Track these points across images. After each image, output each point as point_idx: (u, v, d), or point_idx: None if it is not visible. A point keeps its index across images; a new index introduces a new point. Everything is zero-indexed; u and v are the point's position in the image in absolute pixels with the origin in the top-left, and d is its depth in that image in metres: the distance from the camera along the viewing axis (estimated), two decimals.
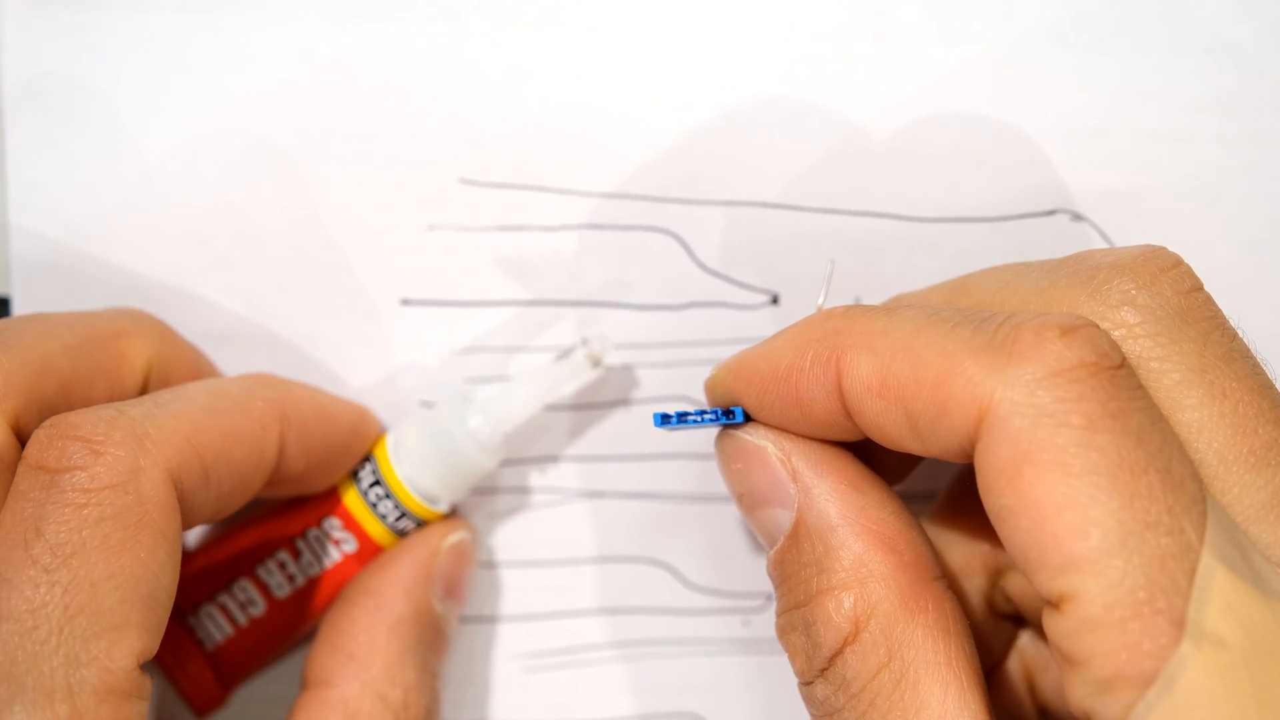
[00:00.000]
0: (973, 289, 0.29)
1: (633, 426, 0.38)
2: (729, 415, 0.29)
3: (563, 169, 0.37)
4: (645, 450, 0.38)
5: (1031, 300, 0.27)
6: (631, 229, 0.37)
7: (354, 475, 0.35)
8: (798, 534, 0.27)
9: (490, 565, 0.38)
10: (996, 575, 0.32)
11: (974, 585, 0.32)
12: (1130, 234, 0.37)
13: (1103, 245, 0.37)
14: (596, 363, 0.35)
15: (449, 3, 0.36)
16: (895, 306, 0.26)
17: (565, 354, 0.35)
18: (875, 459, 0.30)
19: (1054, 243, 0.37)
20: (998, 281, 0.28)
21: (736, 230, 0.37)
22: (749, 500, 0.29)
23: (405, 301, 0.37)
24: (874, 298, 0.37)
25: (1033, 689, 0.33)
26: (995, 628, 0.32)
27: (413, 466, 0.34)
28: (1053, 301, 0.27)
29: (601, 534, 0.38)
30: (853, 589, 0.26)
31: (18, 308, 0.37)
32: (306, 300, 0.37)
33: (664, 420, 0.29)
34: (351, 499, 0.34)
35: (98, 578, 0.25)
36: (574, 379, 0.35)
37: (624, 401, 0.38)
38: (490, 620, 0.39)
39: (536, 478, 0.38)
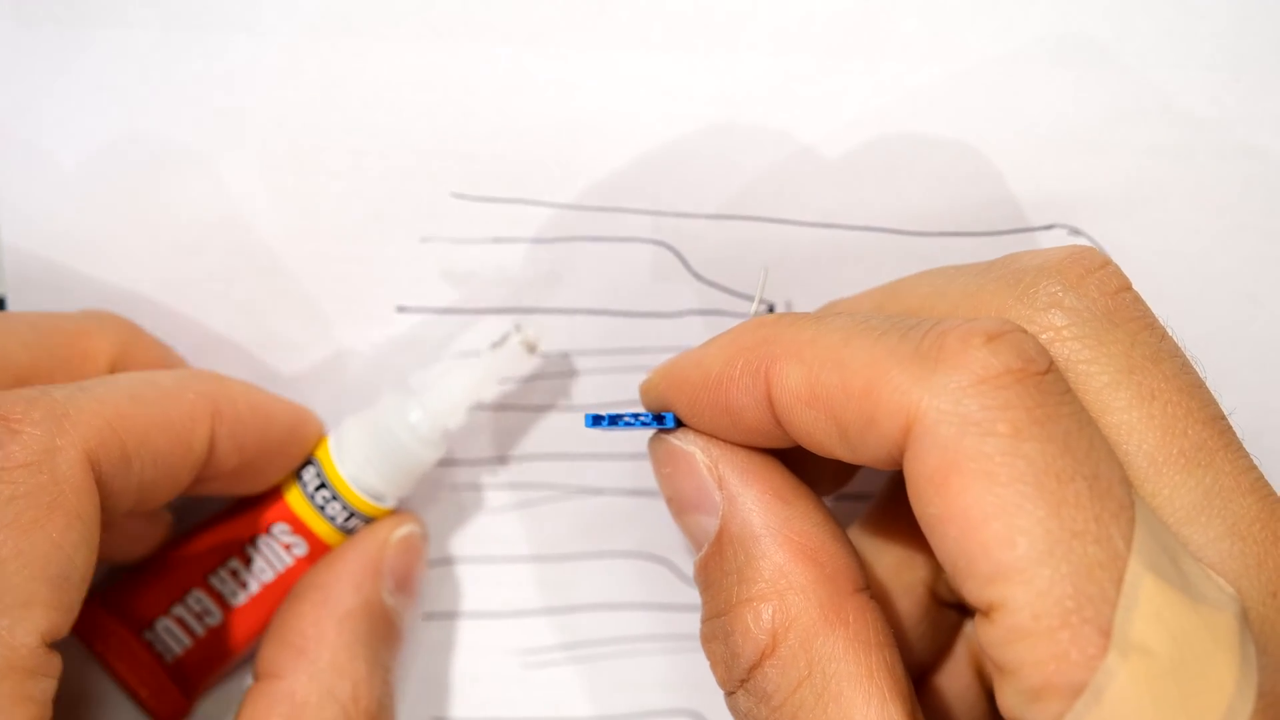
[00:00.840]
0: (903, 294, 0.29)
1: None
2: (660, 420, 0.29)
3: (554, 182, 0.37)
4: (645, 449, 0.38)
5: (961, 305, 0.27)
6: (625, 241, 0.37)
7: (299, 478, 0.35)
8: (721, 542, 0.27)
9: (489, 561, 0.39)
10: (938, 565, 0.32)
11: (917, 576, 0.32)
12: (1128, 248, 0.36)
13: None
14: (532, 349, 0.34)
15: (438, 19, 0.36)
16: (825, 315, 0.26)
17: (500, 342, 0.35)
18: (815, 465, 0.30)
19: None
20: (928, 286, 0.28)
21: (731, 243, 0.37)
22: (677, 505, 0.29)
23: (401, 309, 0.37)
24: None
25: (980, 673, 0.33)
26: (940, 616, 0.33)
27: (356, 466, 0.34)
28: (982, 306, 0.27)
29: (601, 530, 0.39)
30: (771, 600, 0.26)
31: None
32: (300, 308, 0.37)
33: (595, 421, 0.29)
34: (298, 502, 0.34)
35: (5, 555, 0.26)
36: (511, 367, 0.35)
37: (621, 404, 0.38)
38: (488, 616, 0.39)
39: (536, 475, 0.38)
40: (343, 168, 0.36)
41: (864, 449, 0.24)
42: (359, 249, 0.37)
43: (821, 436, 0.25)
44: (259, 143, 0.36)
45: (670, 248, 0.37)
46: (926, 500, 0.23)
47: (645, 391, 0.30)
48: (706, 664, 0.38)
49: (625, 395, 0.38)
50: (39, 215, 0.36)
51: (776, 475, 0.28)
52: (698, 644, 0.38)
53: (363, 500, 0.34)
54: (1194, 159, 0.36)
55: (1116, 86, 0.36)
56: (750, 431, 0.27)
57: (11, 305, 0.37)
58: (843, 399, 0.24)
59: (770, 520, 0.27)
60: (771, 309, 0.37)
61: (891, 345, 0.24)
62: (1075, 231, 0.37)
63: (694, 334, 0.37)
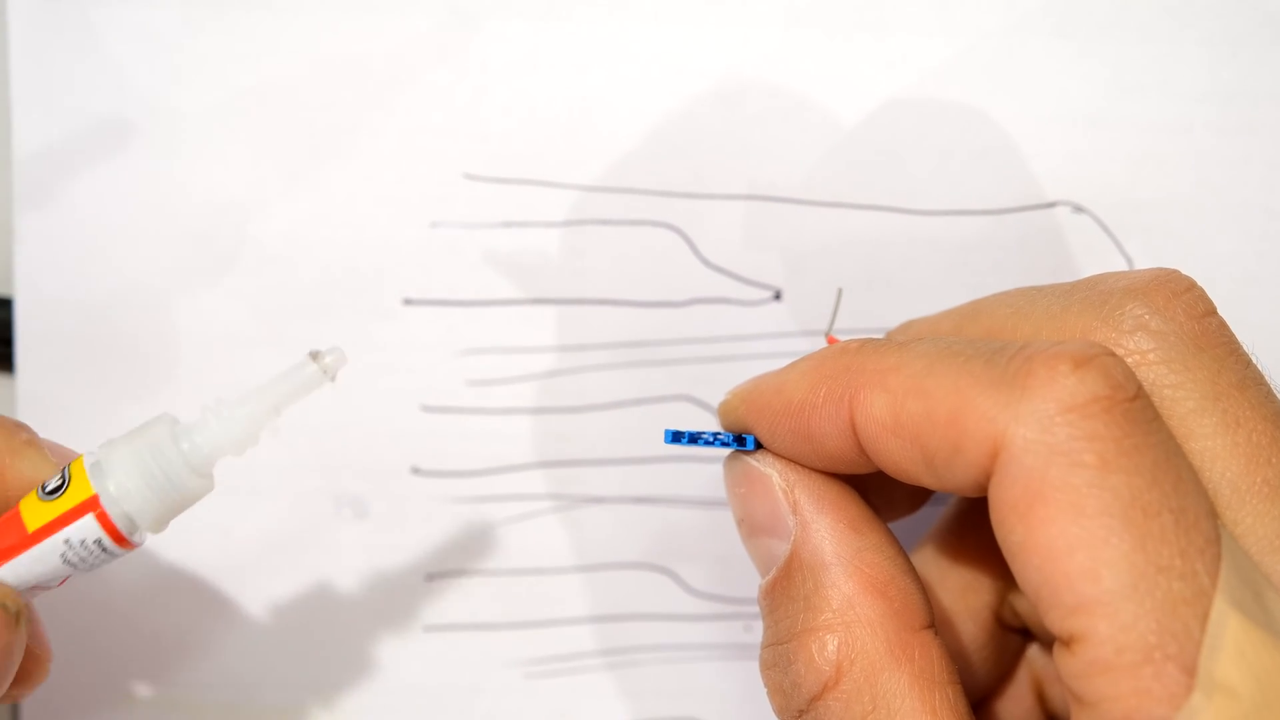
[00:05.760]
0: (984, 315, 0.30)
1: (635, 429, 0.39)
2: (740, 442, 0.30)
3: (566, 163, 0.38)
4: (647, 454, 0.39)
5: (1044, 327, 0.28)
6: (635, 224, 0.38)
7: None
8: (790, 567, 0.28)
9: (492, 573, 0.40)
10: (1004, 590, 0.33)
11: (982, 600, 0.33)
12: (1130, 225, 0.38)
13: (1103, 236, 0.38)
14: (332, 376, 0.32)
15: None
16: (907, 340, 0.27)
17: (296, 368, 0.32)
18: (891, 489, 0.31)
19: (1056, 235, 0.38)
20: (1009, 307, 0.29)
21: (739, 225, 0.38)
22: (748, 526, 0.30)
23: (408, 301, 0.39)
24: (876, 291, 0.38)
25: (1042, 698, 0.34)
26: (1004, 640, 0.33)
27: (118, 489, 0.31)
28: (1066, 328, 0.27)
29: (603, 540, 0.40)
30: (838, 631, 0.27)
31: (21, 309, 0.39)
32: (308, 300, 0.39)
33: (675, 438, 0.30)
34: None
35: None
36: (302, 395, 0.32)
37: (626, 403, 0.39)
38: (492, 627, 0.40)
39: (539, 483, 0.39)
40: (356, 149, 0.38)
41: (950, 477, 0.25)
42: (369, 235, 0.38)
43: (907, 464, 0.26)
44: (274, 123, 0.38)
45: (679, 231, 0.38)
46: (1010, 528, 0.24)
47: (724, 412, 0.31)
48: (709, 672, 0.40)
49: (630, 394, 0.39)
50: (53, 199, 0.38)
51: (851, 505, 0.28)
52: (700, 653, 0.40)
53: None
54: (1193, 134, 0.38)
55: (1116, 62, 0.37)
56: (831, 458, 0.28)
57: (23, 295, 0.39)
58: (928, 427, 0.25)
59: (842, 550, 0.27)
60: (778, 295, 0.38)
61: (976, 371, 0.25)
62: (1078, 209, 0.38)
63: (700, 324, 0.39)
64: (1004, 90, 0.38)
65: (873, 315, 0.38)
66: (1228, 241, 0.38)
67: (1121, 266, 0.39)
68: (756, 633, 0.40)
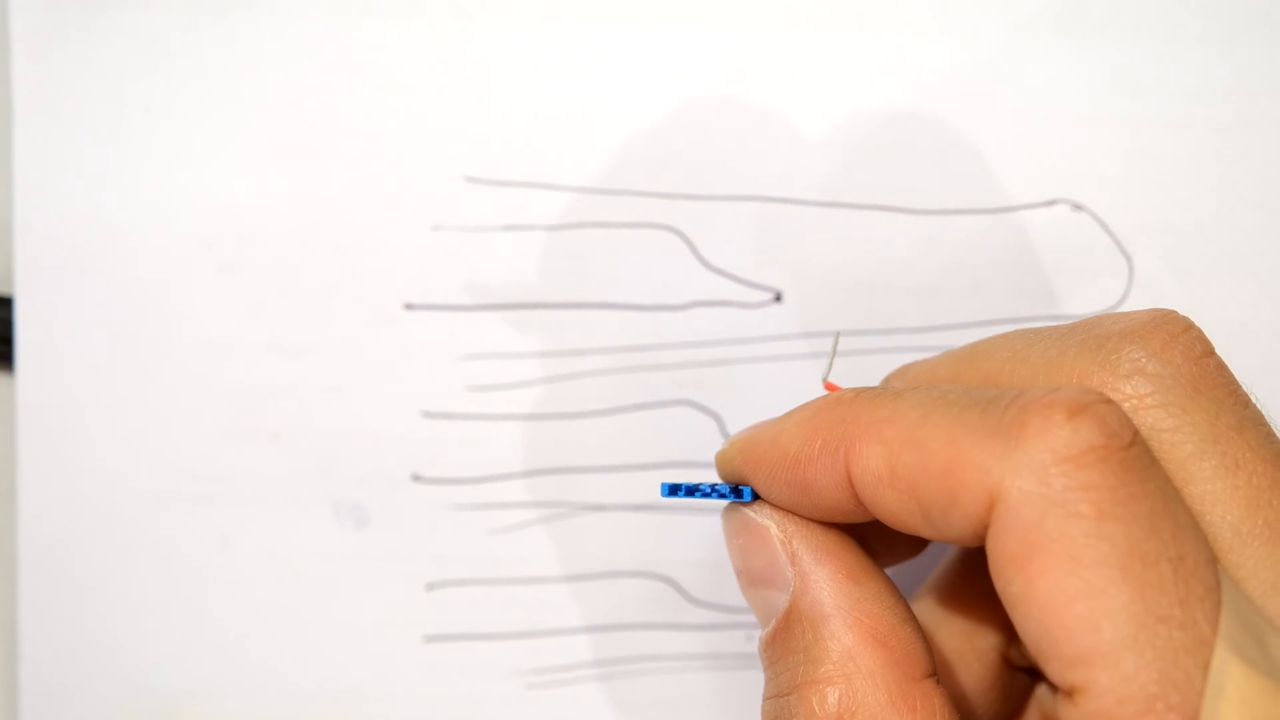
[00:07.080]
0: (982, 359, 0.30)
1: (636, 434, 0.39)
2: (738, 493, 0.30)
3: (567, 165, 0.39)
4: (648, 460, 0.40)
5: (1041, 371, 0.28)
6: (636, 226, 0.39)
7: None
8: (790, 619, 0.28)
9: (493, 581, 0.40)
10: (1011, 631, 0.33)
11: (989, 642, 0.33)
12: (1129, 222, 0.39)
13: (1102, 234, 0.39)
14: None
15: (456, 0, 0.38)
16: (902, 390, 0.27)
17: None
18: (890, 534, 0.31)
19: (1055, 233, 0.39)
20: (1007, 351, 0.29)
21: (739, 226, 0.39)
22: (747, 577, 0.30)
23: (409, 306, 0.39)
24: (877, 291, 0.39)
25: None
26: (1011, 680, 0.33)
27: None
28: (1063, 373, 0.28)
29: (603, 548, 0.40)
30: (838, 683, 0.27)
31: (21, 308, 0.39)
32: (310, 305, 0.39)
33: (673, 491, 0.30)
34: None
35: None
36: None
37: (627, 408, 0.40)
38: (491, 637, 0.40)
39: (540, 490, 0.40)
40: (357, 153, 0.38)
41: (947, 528, 0.25)
42: (370, 239, 0.39)
43: (904, 516, 0.26)
44: (275, 127, 0.38)
45: (679, 233, 0.38)
46: (1008, 580, 0.24)
47: (721, 463, 0.31)
48: (710, 681, 0.40)
49: (631, 400, 0.39)
50: (54, 201, 0.39)
51: (850, 555, 0.29)
52: (701, 663, 0.40)
53: None
54: (1190, 131, 0.38)
55: (1114, 60, 0.38)
56: (828, 509, 0.28)
57: (24, 295, 0.39)
58: (924, 480, 0.25)
59: (841, 600, 0.28)
60: (779, 297, 0.39)
61: (971, 422, 0.25)
62: (1077, 207, 0.38)
63: (700, 327, 0.39)
64: (1002, 89, 0.38)
65: (873, 316, 0.39)
66: (1226, 238, 0.39)
67: (1120, 264, 0.39)
68: (758, 642, 0.40)
